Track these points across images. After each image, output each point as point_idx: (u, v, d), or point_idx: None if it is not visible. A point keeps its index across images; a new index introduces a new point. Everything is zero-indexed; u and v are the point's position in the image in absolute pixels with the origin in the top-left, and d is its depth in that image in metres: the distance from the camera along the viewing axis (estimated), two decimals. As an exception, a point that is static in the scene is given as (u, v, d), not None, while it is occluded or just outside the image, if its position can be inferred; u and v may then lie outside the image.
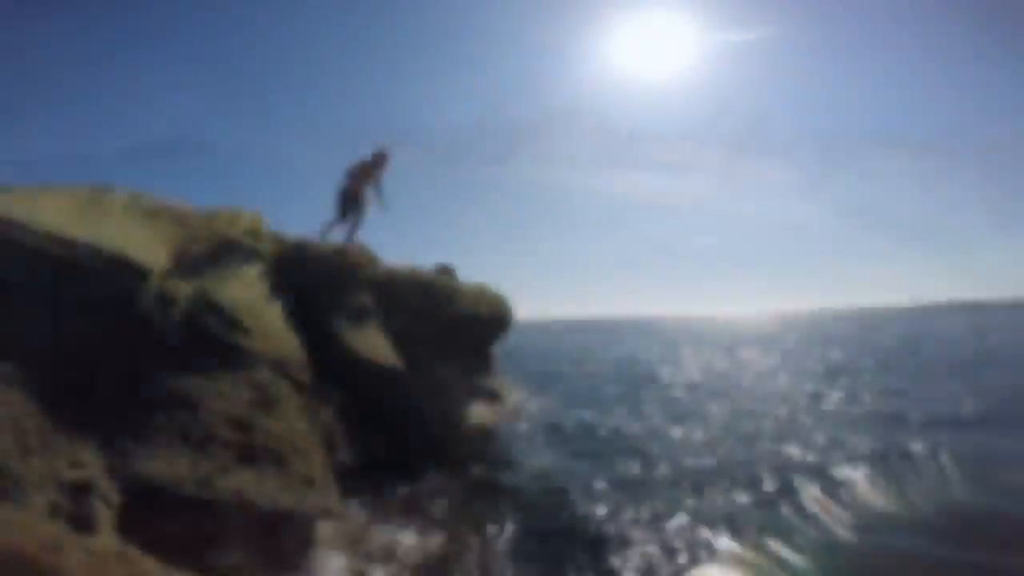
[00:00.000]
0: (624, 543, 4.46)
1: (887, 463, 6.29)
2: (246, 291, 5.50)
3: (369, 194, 7.65)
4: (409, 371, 7.18)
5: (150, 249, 5.15)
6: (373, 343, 7.07)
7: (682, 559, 4.17)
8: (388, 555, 4.39)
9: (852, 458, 6.50)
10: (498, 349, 11.32)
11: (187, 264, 5.38)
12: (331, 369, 6.45)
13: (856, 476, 5.86)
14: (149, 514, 3.30)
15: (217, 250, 5.72)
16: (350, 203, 7.58)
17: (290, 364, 5.47)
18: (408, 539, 4.71)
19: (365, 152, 7.46)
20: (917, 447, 6.75)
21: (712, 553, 4.23)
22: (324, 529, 4.72)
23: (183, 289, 5.07)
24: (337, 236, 7.91)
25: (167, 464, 3.76)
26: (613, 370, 18.30)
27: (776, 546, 4.32)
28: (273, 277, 6.35)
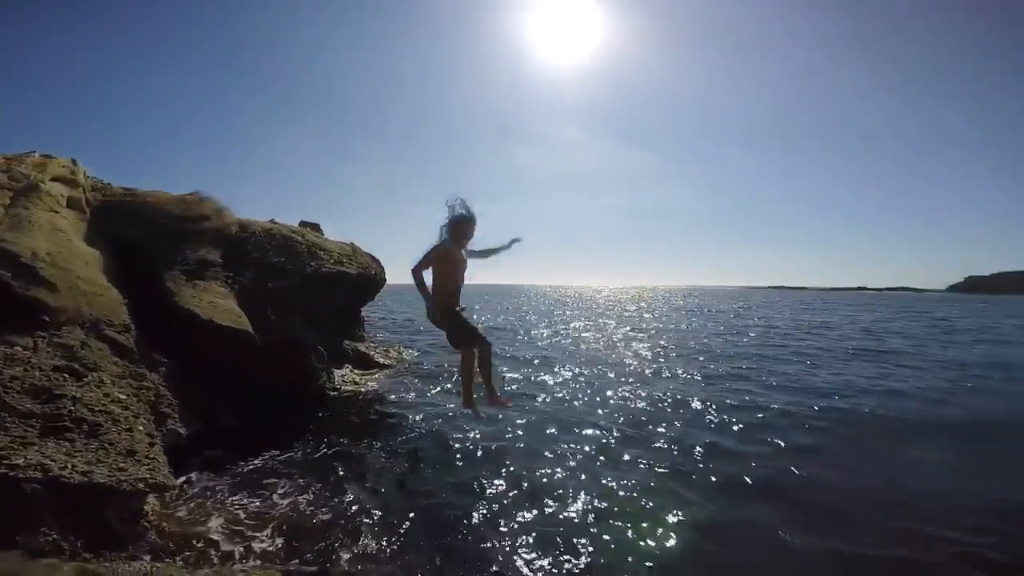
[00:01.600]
0: (478, 510, 4.81)
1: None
2: (53, 241, 4.88)
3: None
4: (261, 333, 6.96)
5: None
6: (214, 301, 6.71)
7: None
8: (259, 521, 4.43)
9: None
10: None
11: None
12: (165, 330, 6.05)
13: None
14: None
15: (19, 196, 4.92)
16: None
17: (109, 324, 5.08)
18: (271, 506, 4.73)
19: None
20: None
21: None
22: (182, 500, 4.63)
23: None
24: None
25: (-55, 439, 3.41)
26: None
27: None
28: (93, 227, 5.64)
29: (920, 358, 13.94)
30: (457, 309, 4.09)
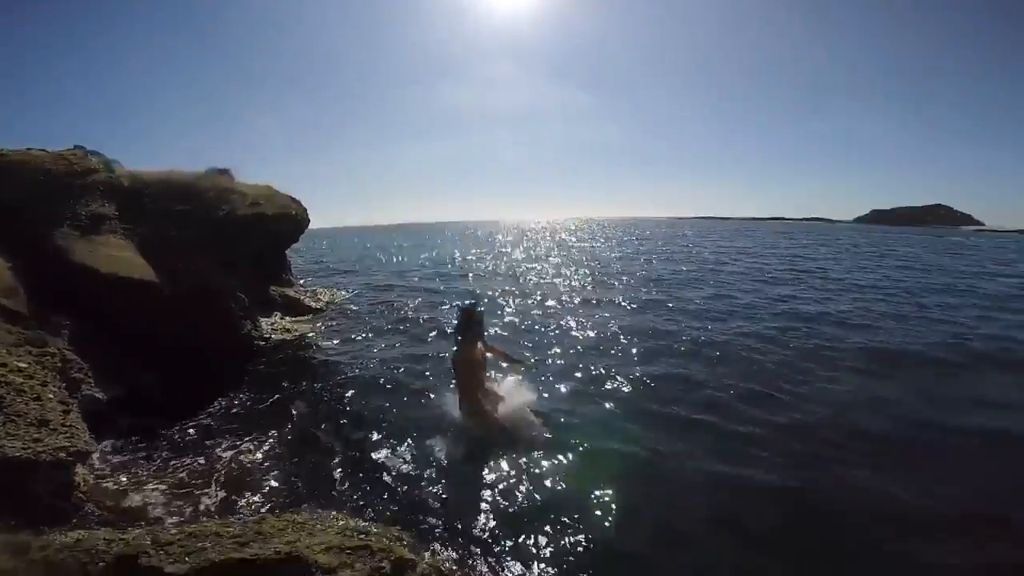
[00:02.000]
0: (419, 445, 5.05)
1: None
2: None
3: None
4: (169, 283, 6.56)
5: None
6: (113, 254, 6.24)
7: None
8: (203, 479, 4.43)
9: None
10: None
11: None
12: (65, 292, 5.59)
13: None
14: None
15: None
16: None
17: (-6, 290, 4.63)
18: (214, 460, 4.72)
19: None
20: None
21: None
22: (110, 468, 4.53)
23: None
24: None
25: None
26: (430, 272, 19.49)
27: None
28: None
29: (836, 283, 15.08)
30: (487, 408, 4.65)
